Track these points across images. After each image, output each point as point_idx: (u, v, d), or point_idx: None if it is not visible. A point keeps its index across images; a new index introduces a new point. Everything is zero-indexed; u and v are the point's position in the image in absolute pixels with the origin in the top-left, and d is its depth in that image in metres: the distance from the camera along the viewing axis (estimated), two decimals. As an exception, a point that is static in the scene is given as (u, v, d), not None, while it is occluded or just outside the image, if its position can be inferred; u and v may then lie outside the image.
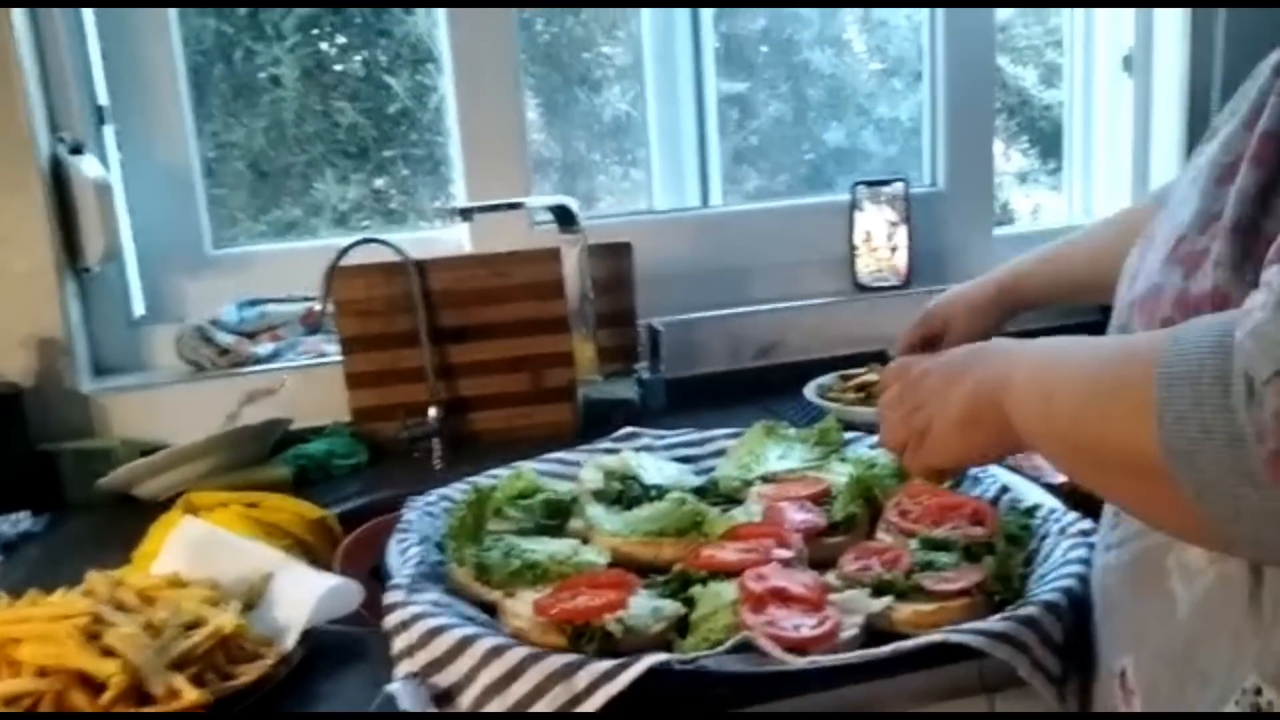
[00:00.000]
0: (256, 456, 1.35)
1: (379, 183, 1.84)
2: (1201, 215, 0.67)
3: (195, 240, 1.60)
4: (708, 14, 1.83)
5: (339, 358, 1.48)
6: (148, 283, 1.58)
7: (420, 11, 1.73)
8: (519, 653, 0.76)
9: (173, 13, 1.55)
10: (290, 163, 1.77)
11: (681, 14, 1.83)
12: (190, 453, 1.27)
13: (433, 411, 1.45)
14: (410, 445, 1.43)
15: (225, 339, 1.49)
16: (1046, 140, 2.16)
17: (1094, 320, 1.75)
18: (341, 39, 1.79)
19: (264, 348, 1.54)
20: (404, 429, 1.43)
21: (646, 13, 1.82)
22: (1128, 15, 1.89)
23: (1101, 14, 1.94)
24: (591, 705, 0.73)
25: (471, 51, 1.63)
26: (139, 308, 1.57)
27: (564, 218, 1.45)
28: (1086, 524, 0.91)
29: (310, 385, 1.50)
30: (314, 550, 1.15)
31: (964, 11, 1.81)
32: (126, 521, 1.19)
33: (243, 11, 1.67)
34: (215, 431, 1.33)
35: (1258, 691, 0.61)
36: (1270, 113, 0.64)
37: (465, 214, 1.28)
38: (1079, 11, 1.96)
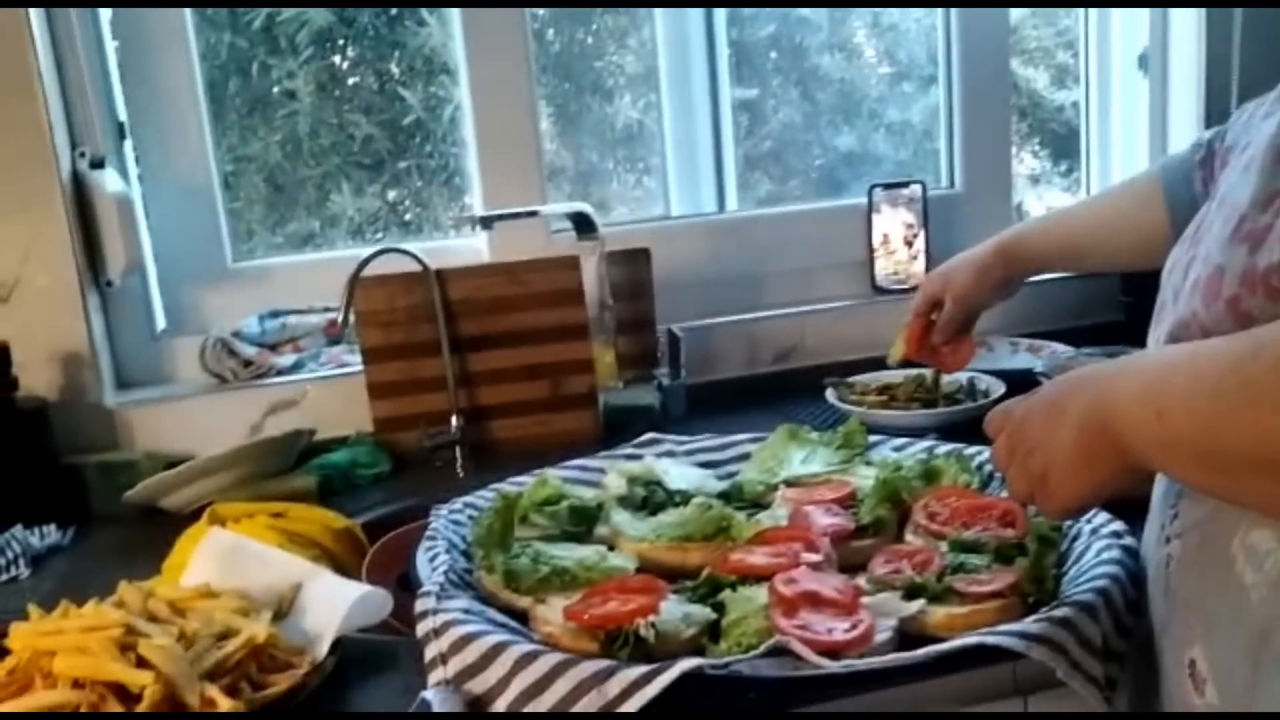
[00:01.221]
0: (281, 467, 1.35)
1: (394, 194, 1.84)
2: (1263, 193, 0.67)
3: (216, 253, 1.61)
4: (722, 21, 1.84)
5: (360, 368, 1.48)
6: (169, 296, 1.59)
7: (434, 23, 1.74)
8: (551, 659, 0.76)
9: (191, 28, 1.56)
10: (306, 176, 1.77)
11: (696, 21, 1.83)
12: (216, 464, 1.27)
13: (454, 420, 1.45)
14: (432, 454, 1.43)
15: (248, 351, 1.50)
16: (1059, 142, 2.16)
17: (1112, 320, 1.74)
18: (354, 52, 1.80)
19: (286, 359, 1.55)
20: (426, 438, 1.43)
21: (660, 20, 1.82)
22: (1143, 14, 1.88)
23: (1116, 13, 1.94)
24: (625, 712, 0.72)
25: (486, 61, 1.63)
26: (161, 321, 1.58)
27: (582, 225, 1.45)
28: (1118, 524, 0.91)
29: (332, 396, 1.51)
30: (340, 559, 1.16)
31: (977, 12, 1.81)
32: (153, 533, 1.20)
33: (257, 25, 1.68)
34: (240, 443, 1.33)
35: None
36: None
37: (485, 222, 1.29)
38: (1092, 11, 1.95)
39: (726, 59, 1.86)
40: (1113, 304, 1.78)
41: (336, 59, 1.79)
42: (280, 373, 1.53)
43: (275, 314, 1.56)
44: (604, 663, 0.75)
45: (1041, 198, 2.19)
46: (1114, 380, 0.70)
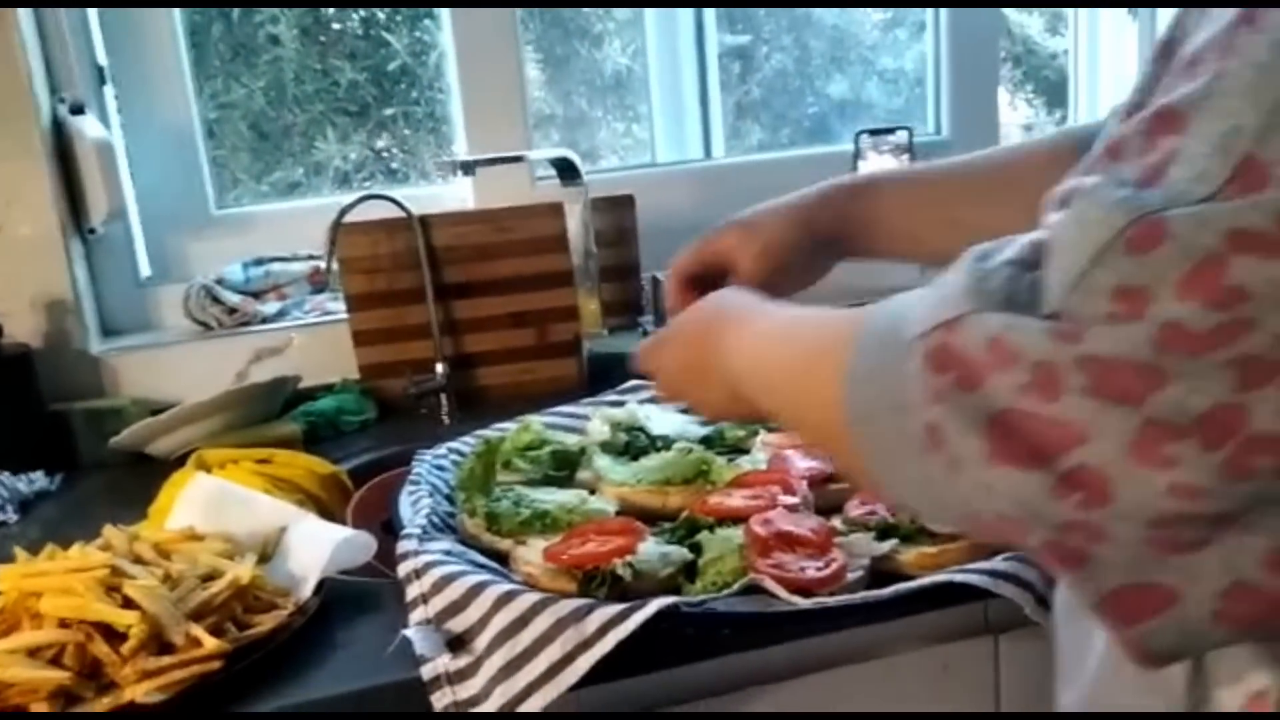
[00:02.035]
0: (267, 414, 1.36)
1: (380, 142, 1.83)
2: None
3: (199, 200, 1.60)
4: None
5: (345, 315, 1.48)
6: (152, 243, 1.59)
7: None
8: (530, 598, 0.78)
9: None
10: (291, 123, 1.76)
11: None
12: (201, 411, 1.27)
13: (439, 367, 1.45)
14: (418, 401, 1.44)
15: (232, 298, 1.50)
16: (1052, 90, 2.14)
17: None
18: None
19: (270, 306, 1.55)
20: (411, 385, 1.43)
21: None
22: (1133, -42, 1.87)
23: (1107, -42, 1.92)
24: (602, 648, 0.74)
25: (469, 5, 1.61)
26: (145, 268, 1.58)
27: (566, 171, 1.44)
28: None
29: (317, 343, 1.51)
30: (325, 505, 1.17)
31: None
32: (139, 479, 1.20)
33: None
34: (225, 389, 1.34)
35: None
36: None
37: (467, 167, 1.28)
38: (1084, -45, 1.94)
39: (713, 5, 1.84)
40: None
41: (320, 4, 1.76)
42: (265, 320, 1.53)
43: (259, 261, 1.56)
44: (581, 601, 0.77)
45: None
46: (735, 340, 0.73)
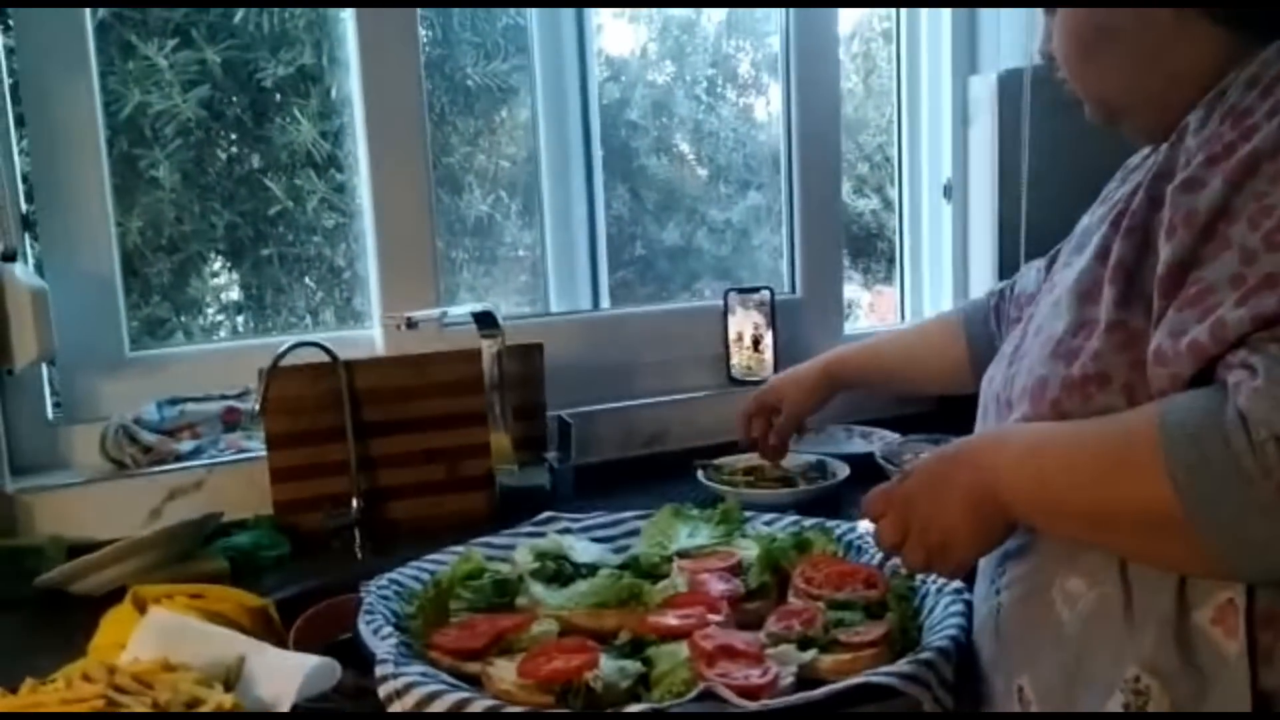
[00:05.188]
0: (191, 550, 1.40)
1: (253, 281, 1.91)
2: (1074, 324, 0.87)
3: (115, 341, 1.63)
4: (597, 129, 2.03)
5: (261, 453, 1.54)
6: (64, 383, 1.60)
7: (305, 121, 1.84)
8: (515, 711, 0.88)
9: (100, 118, 1.60)
10: (164, 263, 1.81)
11: (574, 125, 2.03)
12: (132, 548, 1.30)
13: (355, 503, 1.53)
14: (332, 535, 1.51)
15: (149, 437, 1.53)
16: (856, 243, 2.49)
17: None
18: (222, 142, 1.88)
19: (185, 445, 1.59)
20: (328, 519, 1.50)
21: (542, 125, 2.00)
22: (947, 148, 2.21)
23: (924, 147, 2.26)
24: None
25: (388, 169, 1.75)
26: (49, 409, 1.59)
27: (485, 321, 1.58)
28: (957, 583, 1.11)
29: (232, 480, 1.56)
30: (256, 637, 1.21)
31: (815, 138, 2.08)
32: (59, 618, 1.22)
33: (125, 115, 1.72)
34: (144, 527, 1.37)
35: (1136, 680, 0.79)
36: (1118, 250, 0.84)
37: (410, 324, 1.42)
38: (906, 145, 2.28)
39: (600, 163, 2.05)
40: (928, 397, 2.05)
41: (203, 148, 1.84)
42: (179, 458, 1.57)
43: (174, 401, 1.60)
44: (562, 711, 0.88)
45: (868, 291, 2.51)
46: (992, 452, 0.88)
